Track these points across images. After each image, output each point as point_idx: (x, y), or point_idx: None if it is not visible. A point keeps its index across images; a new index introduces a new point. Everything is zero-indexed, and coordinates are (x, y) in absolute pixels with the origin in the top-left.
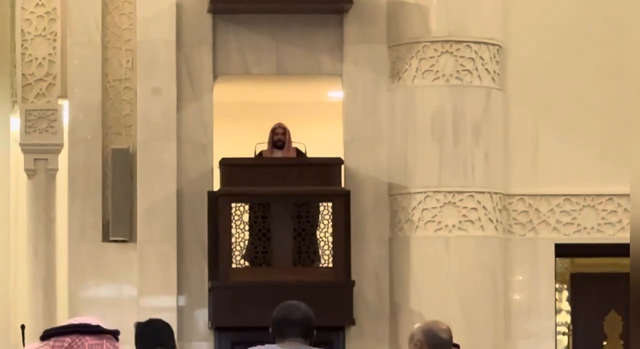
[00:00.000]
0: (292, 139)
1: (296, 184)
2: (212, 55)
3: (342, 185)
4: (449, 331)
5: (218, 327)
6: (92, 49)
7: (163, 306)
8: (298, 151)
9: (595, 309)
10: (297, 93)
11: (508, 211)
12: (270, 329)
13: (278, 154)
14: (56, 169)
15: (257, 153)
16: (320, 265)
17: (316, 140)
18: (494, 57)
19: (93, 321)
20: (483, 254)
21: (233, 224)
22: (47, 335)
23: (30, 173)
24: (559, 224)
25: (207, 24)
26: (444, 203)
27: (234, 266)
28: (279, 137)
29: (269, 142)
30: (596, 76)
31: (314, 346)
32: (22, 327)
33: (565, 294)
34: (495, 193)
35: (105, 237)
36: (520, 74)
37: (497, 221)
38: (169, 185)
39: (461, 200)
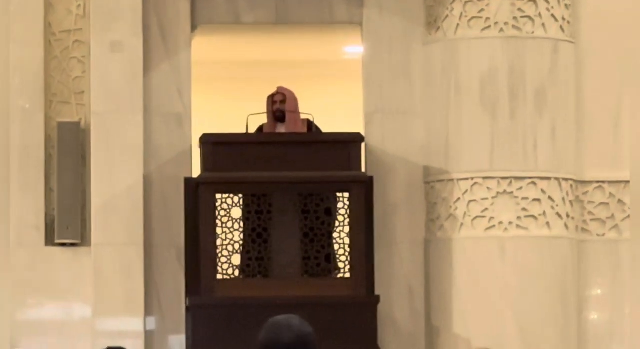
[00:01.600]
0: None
1: (303, 168)
2: None
3: (363, 169)
4: None
5: None
6: None
7: (126, 330)
8: (310, 125)
9: None
10: (302, 49)
11: (582, 204)
12: None
13: (281, 128)
14: None
15: (252, 128)
16: (335, 276)
17: (328, 110)
18: None
19: None
20: (549, 261)
21: (219, 222)
22: None
23: None
24: None
25: None
26: (498, 193)
27: (220, 277)
28: (278, 106)
29: (268, 113)
30: None
31: None
32: None
33: None
34: (565, 179)
35: (50, 241)
36: (598, 21)
37: (567, 216)
38: (134, 170)
39: (520, 189)
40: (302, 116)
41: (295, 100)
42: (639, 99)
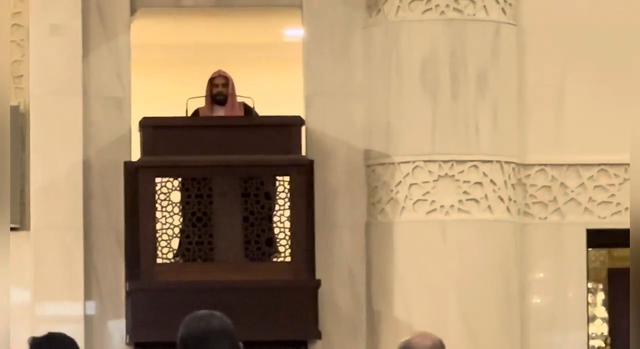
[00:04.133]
0: (237, 92)
1: (242, 151)
2: None
3: (303, 153)
4: (436, 347)
5: (139, 343)
6: None
7: (66, 314)
8: (246, 108)
9: None
10: (242, 31)
11: (524, 187)
12: None
13: (219, 111)
14: None
15: (191, 111)
16: (275, 259)
17: (268, 93)
18: None
19: None
20: (491, 244)
21: (158, 206)
22: None
23: None
24: (592, 203)
25: None
26: (439, 176)
27: (159, 261)
28: (220, 89)
29: (206, 97)
30: None
31: None
32: None
33: (601, 296)
34: (507, 162)
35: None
36: (539, 3)
37: (509, 199)
38: (73, 154)
39: (462, 172)
40: (242, 99)
41: (233, 83)
42: (582, 82)
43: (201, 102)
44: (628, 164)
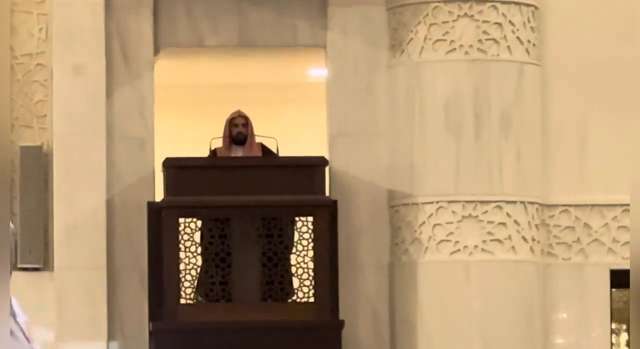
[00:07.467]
0: (258, 132)
1: (266, 192)
2: (152, 21)
3: (327, 193)
4: None
5: None
6: None
7: None
8: (264, 148)
9: None
10: (265, 71)
11: (548, 227)
12: None
13: (238, 152)
14: None
15: (211, 151)
16: (298, 300)
17: (292, 133)
18: (529, 21)
19: None
20: (515, 285)
21: (181, 246)
22: None
23: None
24: (615, 244)
25: None
26: (463, 217)
27: (182, 301)
28: (240, 129)
29: (224, 137)
30: None
31: None
32: None
33: (625, 337)
34: (531, 203)
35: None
36: (563, 44)
37: (533, 240)
38: (96, 194)
39: (485, 212)
40: (265, 140)
41: (251, 123)
42: (606, 122)
43: (219, 143)
44: None
